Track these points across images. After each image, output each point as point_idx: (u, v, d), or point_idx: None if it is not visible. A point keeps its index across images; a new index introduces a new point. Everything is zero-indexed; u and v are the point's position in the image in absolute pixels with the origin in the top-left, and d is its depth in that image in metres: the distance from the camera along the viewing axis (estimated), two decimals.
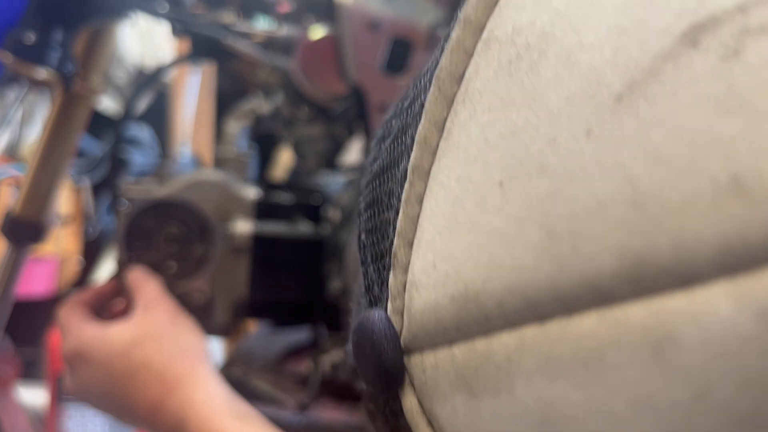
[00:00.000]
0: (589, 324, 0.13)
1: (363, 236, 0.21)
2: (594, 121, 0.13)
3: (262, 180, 0.74)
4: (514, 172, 0.15)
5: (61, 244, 1.16)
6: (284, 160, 1.21)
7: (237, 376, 0.79)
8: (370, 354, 0.18)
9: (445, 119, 0.17)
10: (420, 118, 0.18)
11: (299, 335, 0.74)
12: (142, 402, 0.45)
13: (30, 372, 0.89)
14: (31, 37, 0.48)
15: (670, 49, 0.12)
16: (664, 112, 0.12)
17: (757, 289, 0.11)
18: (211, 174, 0.57)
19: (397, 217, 0.18)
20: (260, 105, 0.65)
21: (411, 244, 0.18)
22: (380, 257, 0.19)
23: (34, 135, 1.03)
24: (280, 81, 0.61)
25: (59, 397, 0.79)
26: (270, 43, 0.59)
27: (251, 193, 0.58)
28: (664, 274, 0.12)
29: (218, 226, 0.56)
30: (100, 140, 1.20)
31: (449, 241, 0.16)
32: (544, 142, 0.14)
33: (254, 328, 1.00)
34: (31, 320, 0.99)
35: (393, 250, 0.18)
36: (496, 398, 0.15)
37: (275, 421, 0.69)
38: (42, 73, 0.49)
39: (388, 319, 0.18)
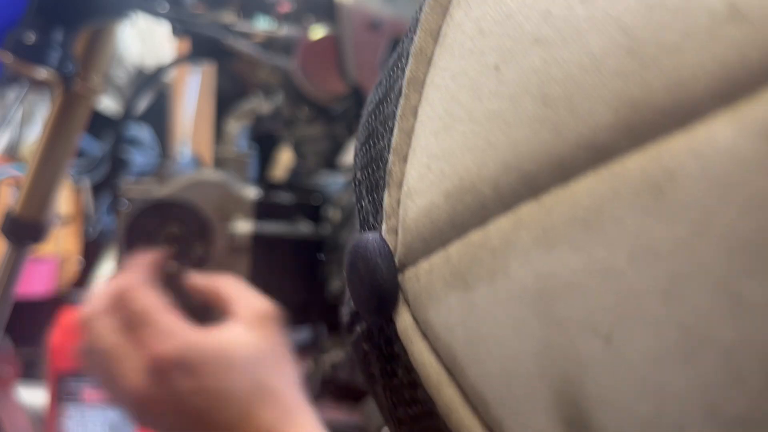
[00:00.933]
0: (585, 184, 0.12)
1: (358, 174, 0.20)
2: None
3: (262, 180, 0.74)
4: (510, 53, 0.14)
5: (61, 244, 1.16)
6: (284, 160, 1.21)
7: None
8: (363, 274, 0.17)
9: (441, 26, 0.17)
10: (415, 35, 0.18)
11: (299, 335, 0.74)
12: (250, 424, 0.40)
13: (30, 372, 0.89)
14: (31, 37, 0.48)
15: None
16: None
17: (757, 110, 0.10)
18: (211, 174, 0.57)
19: (392, 138, 0.18)
20: (260, 105, 0.65)
21: (406, 158, 0.17)
22: (375, 186, 0.18)
23: (34, 135, 1.03)
24: (280, 81, 0.61)
25: (59, 397, 0.79)
26: (270, 43, 0.59)
27: (251, 193, 0.58)
28: (662, 116, 0.11)
29: (218, 226, 0.56)
30: (100, 140, 1.20)
31: (444, 140, 0.16)
32: (538, 18, 0.14)
33: None
34: (31, 320, 0.99)
35: (388, 168, 0.18)
36: (491, 284, 0.14)
37: None
38: (42, 73, 0.49)
39: (383, 239, 0.17)
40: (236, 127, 0.64)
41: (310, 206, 0.61)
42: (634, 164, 0.12)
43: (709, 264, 0.11)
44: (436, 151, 0.16)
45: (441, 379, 0.16)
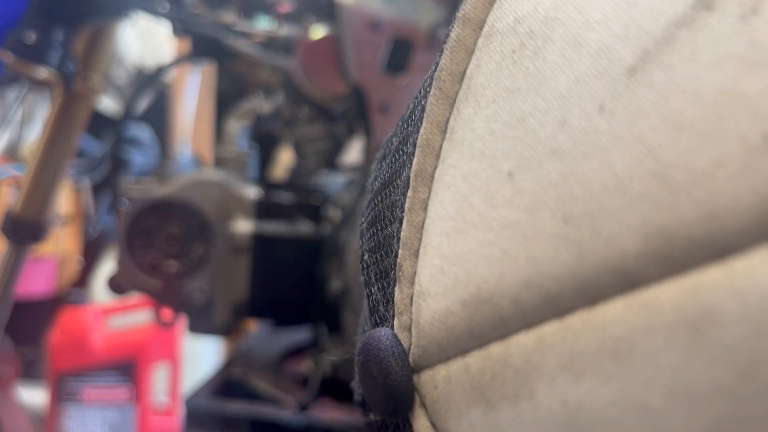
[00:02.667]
0: (614, 312, 0.12)
1: (366, 256, 0.19)
2: (606, 96, 0.12)
3: (262, 180, 0.74)
4: (524, 161, 0.14)
5: (61, 244, 1.16)
6: (284, 160, 1.21)
7: (237, 376, 0.79)
8: (377, 375, 0.17)
9: (448, 119, 0.17)
10: (421, 123, 0.17)
11: (299, 335, 0.74)
12: None
13: (30, 372, 0.89)
14: (31, 37, 0.48)
15: (683, 15, 0.12)
16: (682, 78, 0.11)
17: None
18: (211, 174, 0.57)
19: (401, 228, 0.17)
20: (260, 105, 0.65)
21: (417, 254, 0.16)
22: (384, 274, 0.18)
23: (34, 135, 1.03)
24: (280, 81, 0.61)
25: (59, 397, 0.79)
26: (270, 43, 0.59)
27: (251, 192, 0.58)
28: (696, 248, 0.11)
29: (218, 226, 0.56)
30: (100, 140, 1.20)
31: (458, 243, 0.15)
32: (553, 126, 0.13)
33: (254, 328, 1.00)
34: (31, 320, 0.99)
35: (398, 262, 0.17)
36: (516, 406, 0.13)
37: (275, 421, 0.69)
38: (42, 72, 0.49)
39: (395, 336, 0.17)
40: (236, 127, 0.64)
41: (310, 206, 0.61)
42: (667, 297, 0.11)
43: (757, 412, 0.10)
44: (449, 254, 0.15)
45: None
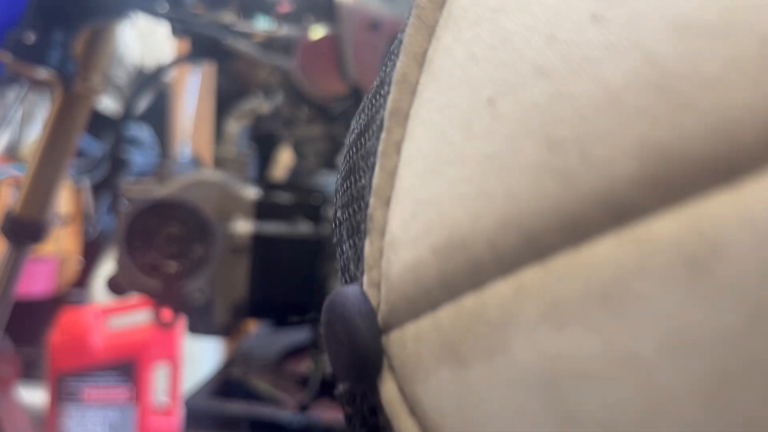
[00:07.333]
0: (603, 251, 0.10)
1: (339, 213, 0.18)
2: (601, 4, 0.11)
3: (262, 180, 0.74)
4: (506, 85, 0.12)
5: (61, 244, 1.16)
6: (284, 160, 1.21)
7: (237, 376, 0.79)
8: (342, 334, 0.15)
9: (426, 50, 0.15)
10: (398, 58, 0.15)
11: (299, 335, 0.74)
12: None
13: (30, 372, 0.89)
14: (31, 37, 0.48)
15: None
16: None
17: None
18: (211, 174, 0.57)
19: (373, 176, 0.15)
20: (260, 105, 0.65)
21: (388, 202, 0.15)
22: (356, 230, 0.16)
23: (34, 135, 1.03)
24: (280, 81, 0.61)
25: (59, 397, 0.79)
26: (270, 43, 0.59)
27: (251, 193, 0.58)
28: (700, 169, 0.09)
29: (218, 226, 0.56)
30: (100, 140, 1.20)
31: (432, 184, 0.13)
32: (540, 42, 0.12)
33: (254, 328, 1.00)
34: (31, 320, 0.99)
35: (368, 213, 0.15)
36: (489, 363, 0.12)
37: (275, 421, 0.69)
38: (42, 73, 0.49)
39: (363, 294, 0.15)
40: (236, 127, 0.64)
41: (310, 206, 0.61)
42: (665, 230, 0.10)
43: (765, 359, 0.09)
44: (422, 197, 0.14)
45: None
